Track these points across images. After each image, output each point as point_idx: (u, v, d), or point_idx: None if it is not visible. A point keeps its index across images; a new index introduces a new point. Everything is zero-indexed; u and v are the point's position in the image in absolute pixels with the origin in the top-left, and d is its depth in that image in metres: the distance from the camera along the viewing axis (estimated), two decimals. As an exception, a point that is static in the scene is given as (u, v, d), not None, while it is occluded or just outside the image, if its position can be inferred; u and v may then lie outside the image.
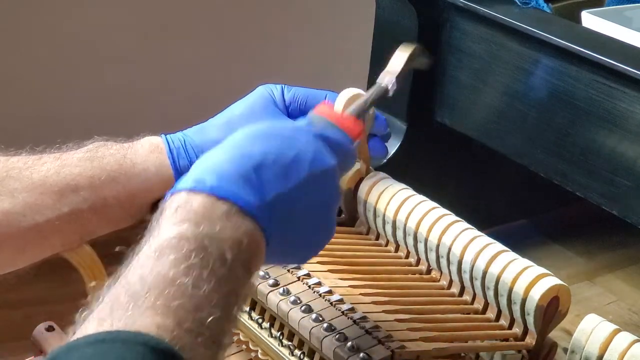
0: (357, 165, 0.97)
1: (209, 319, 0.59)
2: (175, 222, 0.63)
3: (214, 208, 0.64)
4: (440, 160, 1.13)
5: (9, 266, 0.87)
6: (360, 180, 0.97)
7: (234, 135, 0.71)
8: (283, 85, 0.94)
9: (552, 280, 0.81)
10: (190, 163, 0.87)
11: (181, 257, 0.61)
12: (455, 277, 0.88)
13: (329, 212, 0.73)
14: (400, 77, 0.85)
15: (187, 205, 0.64)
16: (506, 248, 0.86)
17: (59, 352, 0.56)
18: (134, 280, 0.60)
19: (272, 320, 0.84)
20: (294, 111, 0.93)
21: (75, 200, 0.84)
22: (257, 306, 0.85)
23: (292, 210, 0.69)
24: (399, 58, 0.86)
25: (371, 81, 0.97)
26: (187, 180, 0.66)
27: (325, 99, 0.91)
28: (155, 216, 0.65)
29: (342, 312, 0.80)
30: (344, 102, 0.84)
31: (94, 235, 0.88)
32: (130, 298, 0.59)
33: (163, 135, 0.89)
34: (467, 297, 0.88)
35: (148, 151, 0.88)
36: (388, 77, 0.85)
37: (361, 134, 0.79)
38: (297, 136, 0.71)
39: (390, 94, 0.85)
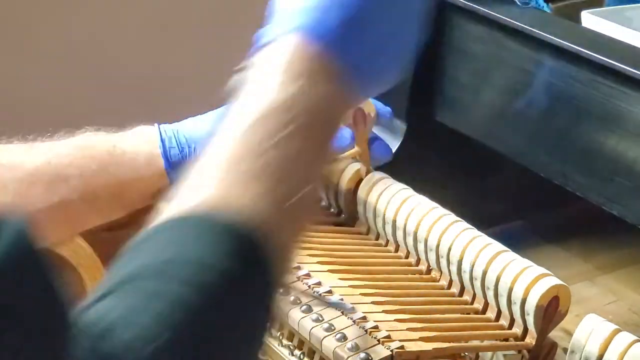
0: (357, 166, 0.97)
1: (296, 193, 0.55)
2: (283, 81, 0.56)
3: (315, 66, 0.58)
4: (441, 160, 1.13)
5: None
6: (360, 180, 0.97)
7: None
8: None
9: (552, 280, 0.81)
10: (182, 154, 0.86)
11: (280, 126, 0.55)
12: (455, 277, 0.88)
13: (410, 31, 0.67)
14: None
15: (294, 57, 0.57)
16: (506, 248, 0.86)
17: (145, 237, 0.54)
18: (228, 145, 0.55)
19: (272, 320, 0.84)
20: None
21: (65, 190, 0.84)
22: (257, 306, 0.85)
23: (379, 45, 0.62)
24: None
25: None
26: (287, 26, 0.59)
27: None
28: (253, 67, 0.59)
29: (342, 312, 0.80)
30: None
31: (85, 227, 0.87)
32: (219, 166, 0.55)
33: (156, 125, 0.88)
34: (467, 297, 0.88)
35: (139, 140, 0.87)
36: None
37: None
38: None
39: None
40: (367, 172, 0.97)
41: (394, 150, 1.08)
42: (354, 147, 0.96)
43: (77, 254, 0.92)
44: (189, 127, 0.89)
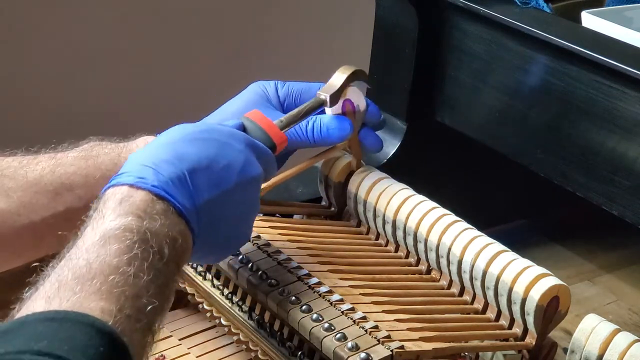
0: (348, 158, 0.97)
1: (147, 308, 0.63)
2: (120, 214, 0.67)
3: (154, 205, 0.69)
4: (440, 160, 1.13)
5: (5, 265, 0.87)
6: (351, 173, 0.97)
7: (172, 132, 0.76)
8: (276, 81, 0.96)
9: (552, 280, 0.81)
10: None
11: (125, 248, 0.65)
12: (455, 277, 0.88)
13: (249, 219, 0.79)
14: (337, 94, 0.91)
15: (130, 199, 0.69)
16: (506, 248, 0.86)
17: (10, 326, 0.58)
18: (80, 264, 0.63)
19: (272, 320, 0.84)
20: (290, 105, 0.93)
21: (70, 199, 0.86)
22: (257, 306, 0.85)
23: (218, 215, 0.74)
24: (338, 78, 0.92)
25: (371, 82, 0.97)
26: (128, 175, 0.71)
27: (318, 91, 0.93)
28: (96, 205, 0.69)
29: (342, 312, 0.80)
30: (344, 78, 0.91)
31: None
32: (77, 280, 0.62)
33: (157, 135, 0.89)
34: (467, 297, 0.88)
35: None
36: (327, 91, 0.91)
37: (285, 143, 0.85)
38: (231, 143, 0.77)
39: (329, 106, 0.91)
40: (358, 165, 0.97)
41: (393, 150, 1.08)
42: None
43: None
44: None
